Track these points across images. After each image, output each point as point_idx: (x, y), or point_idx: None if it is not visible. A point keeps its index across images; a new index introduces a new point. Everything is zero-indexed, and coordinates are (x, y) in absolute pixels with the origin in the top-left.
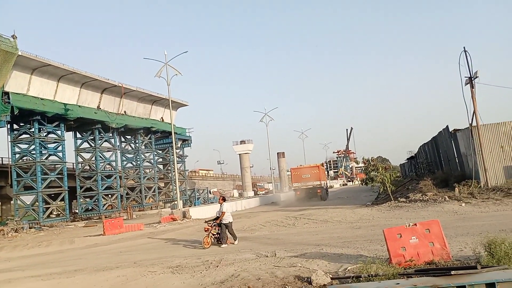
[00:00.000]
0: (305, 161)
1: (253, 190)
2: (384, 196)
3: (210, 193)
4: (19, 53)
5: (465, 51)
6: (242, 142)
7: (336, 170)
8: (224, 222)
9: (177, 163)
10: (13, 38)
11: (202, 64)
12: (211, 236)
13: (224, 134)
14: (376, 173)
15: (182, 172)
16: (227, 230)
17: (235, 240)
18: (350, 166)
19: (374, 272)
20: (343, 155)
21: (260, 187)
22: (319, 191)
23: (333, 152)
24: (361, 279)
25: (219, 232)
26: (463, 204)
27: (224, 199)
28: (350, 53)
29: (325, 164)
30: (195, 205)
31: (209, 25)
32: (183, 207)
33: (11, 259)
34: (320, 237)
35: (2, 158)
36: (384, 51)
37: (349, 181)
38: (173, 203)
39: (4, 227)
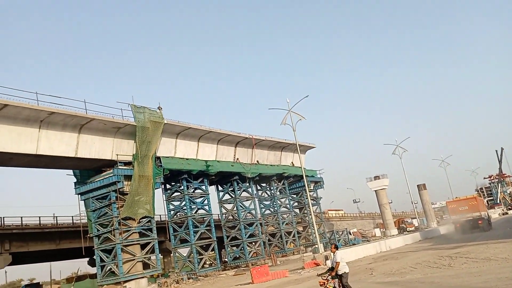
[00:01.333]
0: (451, 191)
1: (401, 227)
2: None
3: (350, 234)
4: (165, 122)
5: None
6: (376, 177)
7: (491, 198)
8: (339, 273)
9: (312, 205)
10: (159, 110)
11: (326, 102)
12: None
13: (355, 171)
14: None
15: (318, 215)
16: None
17: None
18: (509, 192)
19: None
20: (496, 179)
21: (409, 223)
22: (480, 222)
23: (484, 178)
24: None
25: (335, 285)
26: None
27: (336, 247)
28: (491, 69)
29: (480, 193)
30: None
31: (328, 62)
32: (325, 251)
33: None
34: (484, 279)
35: (160, 215)
36: None
37: (510, 209)
38: (314, 247)
39: (167, 279)
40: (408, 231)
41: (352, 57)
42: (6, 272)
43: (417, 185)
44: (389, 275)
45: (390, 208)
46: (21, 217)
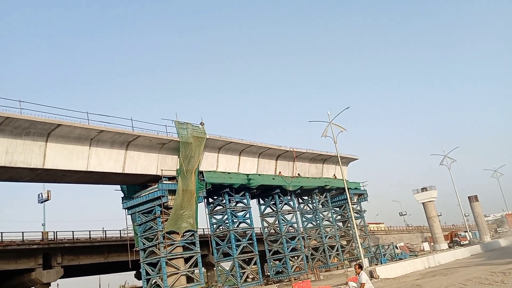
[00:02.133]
0: (505, 203)
1: (454, 241)
2: None
3: (397, 248)
4: (207, 137)
5: None
6: (424, 189)
7: None
8: None
9: (356, 218)
10: (201, 125)
11: (368, 113)
12: None
13: (401, 183)
14: None
15: (362, 228)
16: None
17: None
18: None
19: None
20: None
21: (463, 236)
22: None
23: None
24: None
25: None
26: None
27: (361, 267)
28: None
29: None
30: (381, 263)
31: (368, 72)
32: (369, 266)
33: None
34: None
35: (203, 229)
36: None
37: None
38: (358, 261)
39: None
40: (462, 245)
41: (394, 65)
42: (58, 285)
43: (468, 197)
44: None
45: (439, 221)
46: (73, 231)
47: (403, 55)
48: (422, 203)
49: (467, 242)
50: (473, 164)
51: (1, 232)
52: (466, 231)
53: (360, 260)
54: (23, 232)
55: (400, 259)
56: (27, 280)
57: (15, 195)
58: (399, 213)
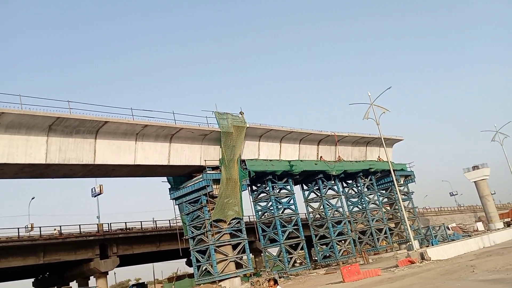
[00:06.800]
0: None
1: None
2: None
3: (449, 229)
4: (248, 125)
5: None
6: (475, 167)
7: None
8: None
9: (403, 200)
10: (241, 114)
11: (411, 91)
12: None
13: (450, 162)
14: None
15: (411, 210)
16: None
17: None
18: None
19: None
20: None
21: None
22: None
23: None
24: None
25: None
26: None
27: (275, 282)
28: None
29: None
30: (432, 245)
31: (408, 47)
32: (420, 248)
33: None
34: None
35: (249, 216)
36: None
37: None
38: (408, 244)
39: (259, 278)
40: None
41: (436, 37)
42: (115, 273)
43: None
44: (493, 272)
45: (493, 200)
46: (125, 223)
47: (446, 20)
48: (474, 182)
49: None
50: None
51: (60, 226)
52: None
53: (274, 275)
54: (80, 225)
55: (453, 240)
56: (86, 270)
57: (69, 191)
58: (450, 193)
